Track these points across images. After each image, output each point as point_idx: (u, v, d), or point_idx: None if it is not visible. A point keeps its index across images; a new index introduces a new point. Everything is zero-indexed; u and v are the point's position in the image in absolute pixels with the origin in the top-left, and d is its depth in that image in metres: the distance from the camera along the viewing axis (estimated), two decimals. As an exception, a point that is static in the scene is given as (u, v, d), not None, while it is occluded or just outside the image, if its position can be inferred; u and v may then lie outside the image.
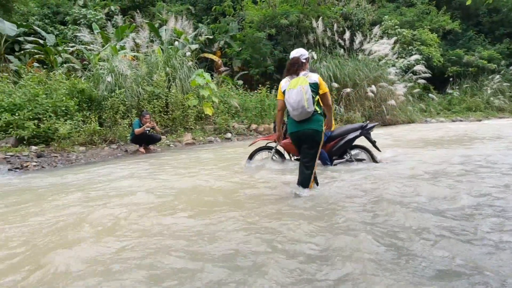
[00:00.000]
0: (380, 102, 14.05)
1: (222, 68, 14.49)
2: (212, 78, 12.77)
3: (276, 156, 4.99)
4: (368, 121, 5.27)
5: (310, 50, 14.26)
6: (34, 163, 5.91)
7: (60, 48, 13.24)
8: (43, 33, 13.70)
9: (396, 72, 15.17)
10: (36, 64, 13.34)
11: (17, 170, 5.59)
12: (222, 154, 6.93)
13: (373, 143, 4.98)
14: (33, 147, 6.82)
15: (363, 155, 4.99)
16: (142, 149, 7.46)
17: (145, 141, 7.57)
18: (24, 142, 6.92)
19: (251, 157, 5.03)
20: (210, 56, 16.58)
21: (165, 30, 16.27)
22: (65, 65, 13.39)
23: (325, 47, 15.07)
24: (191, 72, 11.11)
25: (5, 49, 13.14)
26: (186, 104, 9.69)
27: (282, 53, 16.73)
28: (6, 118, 6.90)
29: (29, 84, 7.87)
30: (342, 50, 14.89)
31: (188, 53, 11.11)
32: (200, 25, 18.26)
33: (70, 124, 7.36)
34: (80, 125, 7.77)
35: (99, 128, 7.93)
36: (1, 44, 11.93)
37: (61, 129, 7.06)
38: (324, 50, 14.95)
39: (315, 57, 13.94)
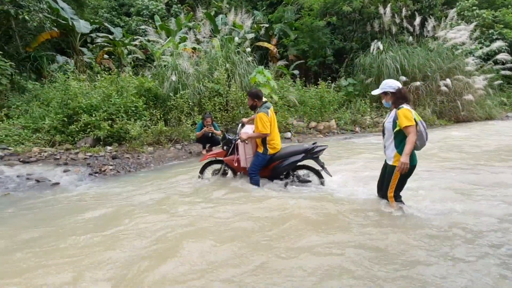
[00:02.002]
0: (454, 96, 12.68)
1: (281, 62, 14.07)
2: (267, 67, 12.56)
3: (226, 169, 5.16)
4: (316, 143, 4.82)
5: (375, 40, 13.24)
6: (111, 167, 6.30)
7: (126, 41, 13.89)
8: (111, 28, 14.43)
9: (474, 61, 13.51)
10: (106, 56, 14.29)
11: (97, 174, 6.00)
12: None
13: (322, 166, 4.63)
14: (108, 148, 7.27)
15: (312, 176, 4.79)
16: (204, 151, 7.58)
17: (208, 142, 7.68)
18: (101, 142, 7.40)
19: (202, 171, 5.24)
20: (265, 44, 16.25)
21: (221, 18, 16.34)
22: (130, 56, 14.17)
23: (392, 35, 13.87)
24: (250, 68, 10.97)
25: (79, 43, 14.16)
26: (246, 102, 9.60)
27: (342, 41, 15.79)
28: (85, 119, 7.41)
29: (103, 85, 8.33)
30: (410, 37, 13.59)
31: (248, 49, 10.90)
32: (255, 12, 17.90)
33: (140, 125, 7.69)
34: (148, 125, 8.11)
35: (165, 128, 8.19)
36: (77, 40, 12.82)
37: (132, 131, 7.42)
38: (390, 39, 13.77)
39: (381, 47, 12.88)
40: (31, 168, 6.08)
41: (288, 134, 9.51)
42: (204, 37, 11.52)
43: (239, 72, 10.66)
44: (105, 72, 9.24)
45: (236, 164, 4.84)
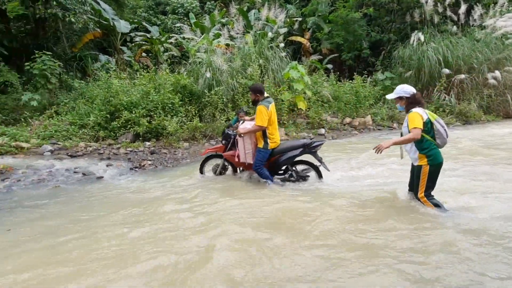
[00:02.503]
0: (504, 90, 11.76)
1: (314, 56, 13.80)
2: (300, 62, 12.39)
3: (226, 164, 5.23)
4: (313, 138, 4.95)
5: (415, 31, 12.58)
6: (149, 162, 6.57)
7: (162, 39, 14.35)
8: (149, 27, 14.93)
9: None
10: (143, 54, 14.88)
11: (137, 169, 6.29)
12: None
13: (320, 161, 4.71)
14: (147, 143, 7.60)
15: (310, 171, 4.86)
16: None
17: None
18: (140, 138, 7.73)
19: (201, 167, 5.31)
20: (298, 38, 16.03)
21: (254, 14, 16.33)
22: (166, 54, 14.64)
23: (433, 25, 13.09)
24: (283, 63, 10.90)
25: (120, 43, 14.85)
26: (279, 98, 9.57)
27: (380, 33, 15.17)
28: (125, 116, 7.78)
29: (142, 82, 8.68)
30: (454, 27, 12.74)
31: (282, 44, 10.81)
32: (288, 6, 17.69)
33: (176, 121, 7.93)
34: (183, 121, 8.35)
35: (200, 124, 8.38)
36: (118, 39, 13.44)
37: (168, 127, 7.68)
38: (432, 29, 13.01)
39: (422, 38, 12.21)
40: (77, 162, 6.51)
41: (322, 131, 9.36)
42: (237, 33, 11.60)
43: (272, 68, 10.63)
44: (144, 70, 9.62)
45: (236, 159, 4.92)
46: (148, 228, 3.31)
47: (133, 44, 14.86)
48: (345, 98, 11.06)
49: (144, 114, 7.96)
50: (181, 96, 9.00)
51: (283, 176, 4.87)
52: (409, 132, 3.31)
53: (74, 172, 5.95)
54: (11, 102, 9.36)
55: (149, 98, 8.25)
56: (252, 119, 4.85)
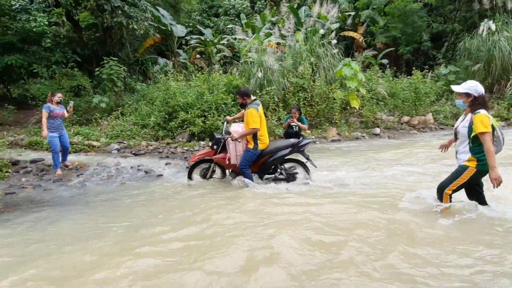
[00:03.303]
0: None
1: (368, 52, 13.21)
2: (352, 58, 11.94)
3: (216, 167, 5.30)
4: (302, 138, 5.05)
5: (485, 20, 11.42)
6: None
7: (215, 40, 14.84)
8: (203, 29, 15.53)
9: None
10: (198, 56, 15.56)
11: (193, 167, 6.62)
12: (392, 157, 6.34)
13: (308, 159, 4.93)
14: (201, 142, 7.95)
15: (298, 169, 5.03)
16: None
17: (294, 137, 7.64)
18: (195, 137, 8.12)
19: (190, 174, 5.35)
20: (351, 33, 15.46)
21: (304, 11, 16.11)
22: (218, 55, 15.13)
23: (507, 12, 11.76)
24: (335, 60, 10.62)
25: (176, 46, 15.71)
26: (331, 96, 9.36)
27: (442, 24, 14.04)
28: (182, 116, 8.22)
29: (197, 84, 9.09)
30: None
31: (334, 41, 10.53)
32: (340, 0, 17.13)
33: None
34: (236, 121, 8.56)
35: (252, 124, 8.52)
36: (175, 43, 14.22)
37: (221, 126, 7.94)
38: (505, 16, 11.70)
39: (493, 27, 11.05)
40: (140, 160, 7.04)
41: (377, 130, 8.95)
42: (288, 32, 11.55)
43: (324, 66, 10.42)
44: (198, 72, 10.05)
45: (227, 162, 4.99)
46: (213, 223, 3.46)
47: (188, 47, 15.59)
48: (402, 95, 10.45)
49: (199, 114, 8.34)
50: (233, 96, 9.24)
51: (273, 175, 5.02)
52: (471, 132, 3.15)
53: (138, 169, 6.44)
54: (84, 104, 10.41)
55: (204, 99, 8.61)
56: (237, 119, 5.12)
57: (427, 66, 12.92)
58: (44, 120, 6.20)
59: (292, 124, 6.94)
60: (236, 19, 17.74)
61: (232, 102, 8.98)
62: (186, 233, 3.31)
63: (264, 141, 4.84)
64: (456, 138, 3.41)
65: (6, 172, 6.14)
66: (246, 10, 18.57)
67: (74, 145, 7.59)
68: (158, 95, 9.23)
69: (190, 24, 16.28)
